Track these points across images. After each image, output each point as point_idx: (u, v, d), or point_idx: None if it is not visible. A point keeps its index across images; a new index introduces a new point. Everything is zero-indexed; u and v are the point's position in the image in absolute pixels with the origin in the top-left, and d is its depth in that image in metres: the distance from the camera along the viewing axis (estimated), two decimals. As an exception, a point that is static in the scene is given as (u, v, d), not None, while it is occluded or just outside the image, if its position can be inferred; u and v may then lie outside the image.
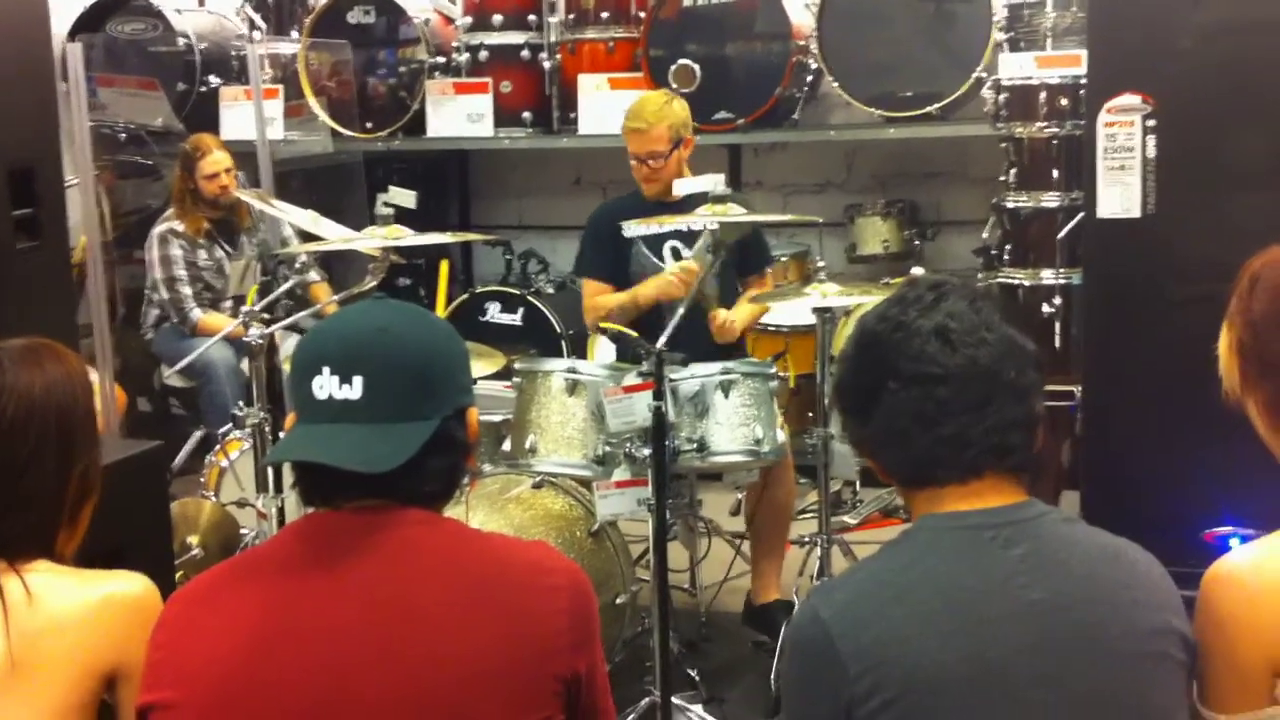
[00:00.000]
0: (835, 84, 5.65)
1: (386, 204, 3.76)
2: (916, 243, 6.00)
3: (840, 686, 1.55)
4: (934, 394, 1.63)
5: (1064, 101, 4.96)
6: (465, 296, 6.22)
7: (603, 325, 4.08)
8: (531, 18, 6.20)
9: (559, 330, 5.97)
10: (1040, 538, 1.63)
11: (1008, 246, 5.13)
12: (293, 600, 1.62)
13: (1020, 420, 1.66)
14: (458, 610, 1.61)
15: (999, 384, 1.64)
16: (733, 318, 4.25)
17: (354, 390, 1.65)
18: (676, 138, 4.32)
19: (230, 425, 4.56)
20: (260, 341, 3.82)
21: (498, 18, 6.19)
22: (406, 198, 3.82)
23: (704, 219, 3.60)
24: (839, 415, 1.79)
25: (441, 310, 5.94)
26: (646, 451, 3.37)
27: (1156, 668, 1.61)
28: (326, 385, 1.66)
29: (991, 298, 1.71)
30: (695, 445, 3.59)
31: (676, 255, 4.41)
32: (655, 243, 4.42)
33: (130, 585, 1.90)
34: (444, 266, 5.85)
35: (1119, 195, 3.72)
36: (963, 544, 1.63)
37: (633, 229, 4.24)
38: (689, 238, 4.35)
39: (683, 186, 4.00)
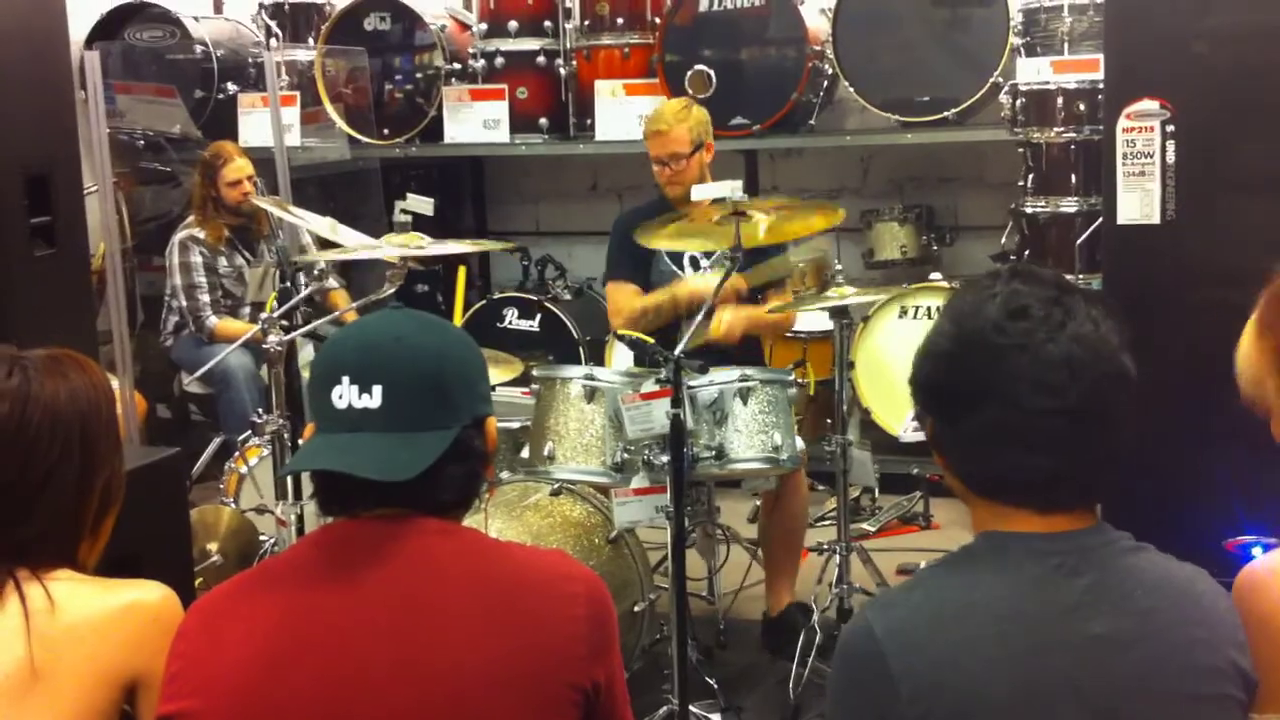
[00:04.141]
0: (851, 89, 5.65)
1: (404, 211, 3.76)
2: (934, 248, 5.99)
3: (890, 706, 1.52)
4: (1048, 425, 1.55)
5: (1081, 106, 4.96)
6: (483, 303, 6.23)
7: (620, 331, 4.07)
8: (547, 24, 6.21)
9: (577, 336, 5.97)
10: (1106, 568, 1.58)
11: (1026, 252, 5.12)
12: (311, 609, 1.62)
13: (1115, 457, 1.59)
14: (475, 619, 1.61)
15: (1108, 419, 1.57)
16: (728, 318, 4.09)
17: (373, 399, 1.65)
18: (698, 140, 4.32)
19: (249, 432, 4.57)
20: (279, 348, 3.82)
21: (513, 24, 6.20)
22: (424, 205, 3.82)
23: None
24: (921, 411, 1.68)
25: (459, 317, 5.94)
26: (665, 459, 3.37)
27: (1213, 711, 1.57)
28: (346, 395, 1.66)
29: (1106, 306, 1.62)
30: (713, 453, 3.58)
31: (696, 265, 4.41)
32: (676, 252, 4.42)
33: (151, 594, 1.90)
34: (461, 273, 5.85)
35: (1138, 201, 3.70)
36: (1027, 569, 1.57)
37: (645, 240, 4.23)
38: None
39: (700, 192, 4.00)
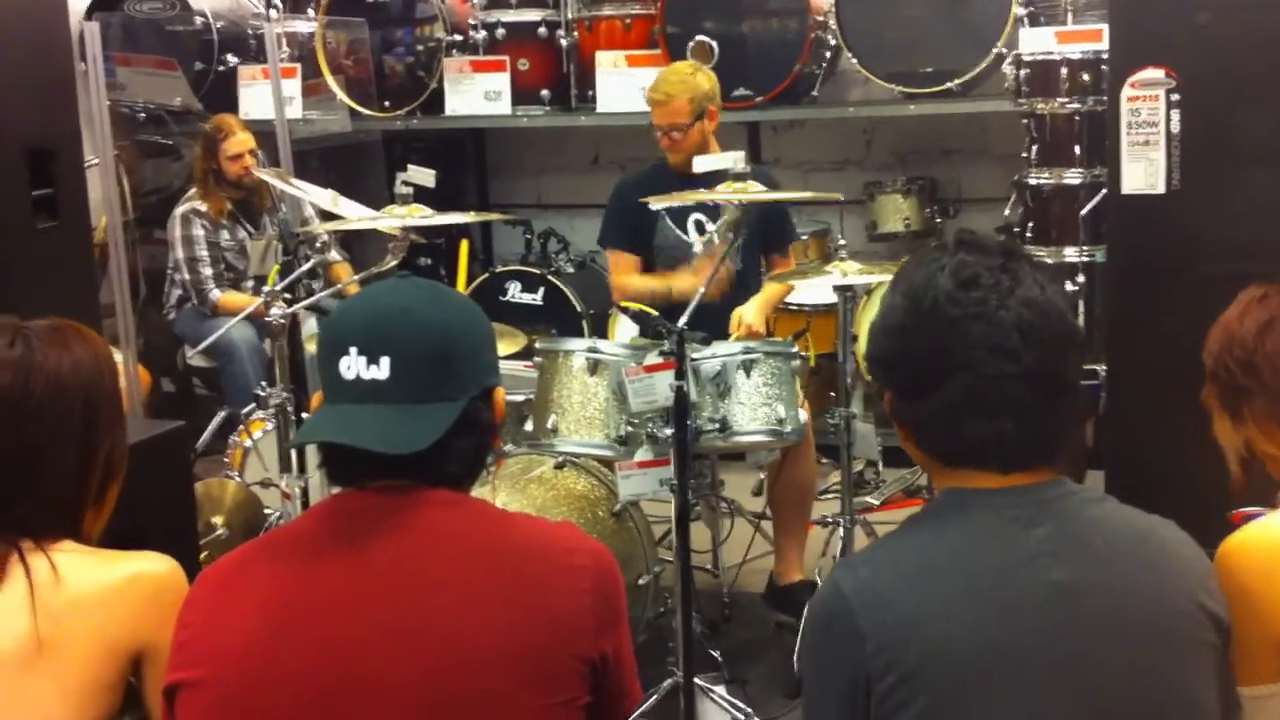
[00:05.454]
0: (854, 60, 5.62)
1: (405, 183, 3.74)
2: (938, 220, 5.97)
3: (859, 660, 1.54)
4: (1007, 389, 1.59)
5: (1085, 77, 4.93)
6: (485, 276, 6.22)
7: (624, 304, 4.06)
8: (548, -5, 6.19)
9: (580, 309, 5.96)
10: (1064, 517, 1.61)
11: (1030, 224, 5.11)
12: (317, 579, 1.62)
13: (1071, 416, 1.65)
14: (482, 590, 1.61)
15: (1061, 380, 1.62)
16: (751, 321, 4.20)
17: (381, 371, 1.65)
18: (699, 110, 4.30)
19: (253, 405, 4.57)
20: (282, 321, 3.81)
21: (514, -5, 6.18)
22: (425, 176, 3.80)
23: (727, 195, 3.59)
24: (880, 385, 1.73)
25: (462, 290, 5.93)
26: (668, 431, 3.36)
27: (1182, 652, 1.59)
28: (354, 365, 1.66)
29: (1049, 271, 1.67)
30: (717, 425, 3.58)
31: (700, 229, 4.40)
32: (679, 216, 4.42)
33: (156, 565, 1.90)
34: (464, 246, 5.85)
35: (1143, 171, 3.69)
36: (987, 522, 1.61)
37: (656, 203, 4.23)
38: (713, 211, 4.34)
39: (703, 164, 3.98)
